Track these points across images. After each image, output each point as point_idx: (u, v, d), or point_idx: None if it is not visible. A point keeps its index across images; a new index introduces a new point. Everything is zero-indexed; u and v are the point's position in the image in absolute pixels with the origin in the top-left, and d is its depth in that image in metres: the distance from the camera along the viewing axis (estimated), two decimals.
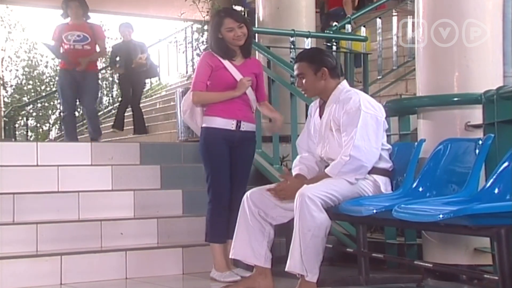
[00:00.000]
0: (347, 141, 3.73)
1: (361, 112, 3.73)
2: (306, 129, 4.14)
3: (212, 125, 4.30)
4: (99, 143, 6.32)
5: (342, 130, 3.79)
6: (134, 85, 8.94)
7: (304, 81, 3.94)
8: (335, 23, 7.60)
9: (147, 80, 11.71)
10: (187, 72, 13.49)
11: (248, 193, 3.95)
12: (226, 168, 4.30)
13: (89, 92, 7.15)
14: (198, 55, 11.95)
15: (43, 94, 18.93)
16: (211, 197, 4.31)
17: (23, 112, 15.39)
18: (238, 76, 4.29)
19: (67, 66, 7.13)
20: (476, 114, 3.98)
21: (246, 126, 4.34)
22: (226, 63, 4.30)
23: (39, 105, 16.91)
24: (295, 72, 4.00)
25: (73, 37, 7.08)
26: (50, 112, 19.20)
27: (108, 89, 16.47)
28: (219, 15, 4.35)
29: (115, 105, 14.69)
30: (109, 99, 15.94)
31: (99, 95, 9.26)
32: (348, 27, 7.58)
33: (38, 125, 17.32)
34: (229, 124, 4.29)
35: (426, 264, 3.80)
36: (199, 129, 4.39)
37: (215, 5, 10.31)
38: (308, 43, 6.58)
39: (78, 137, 8.23)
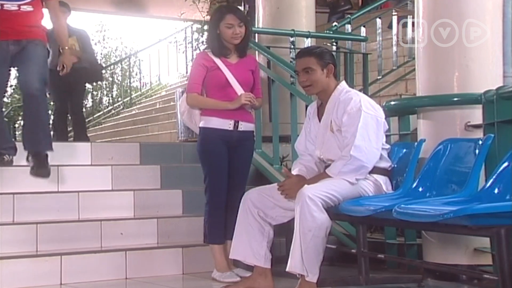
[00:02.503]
0: (347, 141, 3.74)
1: (362, 112, 3.73)
2: (304, 132, 4.13)
3: (209, 125, 4.26)
4: (99, 143, 6.25)
5: (342, 131, 3.79)
6: (71, 86, 6.68)
7: (309, 76, 3.90)
8: (335, 23, 7.60)
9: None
10: (187, 72, 13.48)
11: (247, 193, 3.95)
12: (224, 169, 4.28)
13: (32, 64, 4.49)
14: None
15: None
16: (209, 198, 4.30)
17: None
18: (230, 77, 4.23)
19: None
20: (476, 114, 3.98)
21: (244, 126, 4.30)
22: (220, 63, 4.25)
23: None
24: (300, 67, 3.92)
25: None
26: (50, 112, 19.07)
27: (108, 89, 16.43)
28: (221, 10, 4.32)
29: (115, 105, 14.71)
30: (109, 99, 15.94)
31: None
32: (348, 27, 7.59)
33: None
34: (226, 124, 4.25)
35: (426, 264, 3.80)
36: (198, 129, 4.37)
37: (215, 5, 10.30)
38: (308, 43, 6.57)
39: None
